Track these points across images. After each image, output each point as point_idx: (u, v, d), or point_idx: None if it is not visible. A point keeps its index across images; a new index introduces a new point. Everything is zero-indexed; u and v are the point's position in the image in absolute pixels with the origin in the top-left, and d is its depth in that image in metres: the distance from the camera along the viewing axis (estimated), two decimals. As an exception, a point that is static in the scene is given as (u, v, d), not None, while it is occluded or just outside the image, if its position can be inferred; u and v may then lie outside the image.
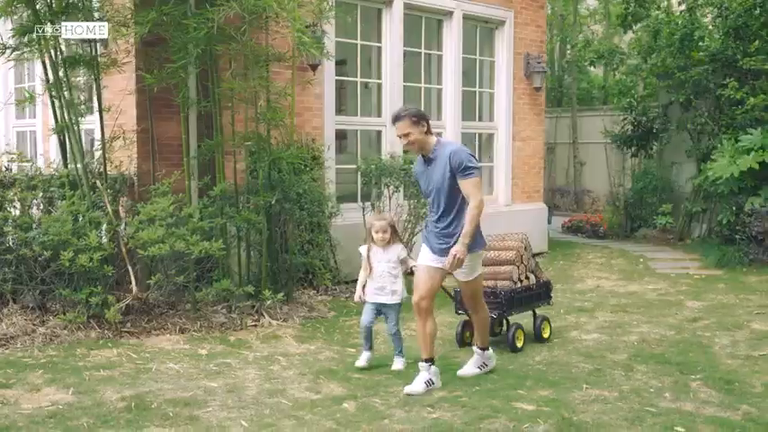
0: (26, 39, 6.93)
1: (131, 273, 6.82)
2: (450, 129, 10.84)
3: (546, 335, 6.70)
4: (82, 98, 7.81)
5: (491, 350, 5.77)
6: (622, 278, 10.03)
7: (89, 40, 7.22)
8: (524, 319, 6.81)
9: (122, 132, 7.62)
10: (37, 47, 7.03)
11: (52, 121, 9.44)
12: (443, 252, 5.19)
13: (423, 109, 10.72)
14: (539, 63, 11.88)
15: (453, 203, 5.20)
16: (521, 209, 11.94)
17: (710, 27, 13.01)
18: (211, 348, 6.35)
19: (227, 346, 6.43)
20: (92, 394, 5.10)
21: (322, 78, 9.12)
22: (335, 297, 8.46)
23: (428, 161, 5.27)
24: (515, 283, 6.52)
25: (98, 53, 7.38)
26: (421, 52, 10.65)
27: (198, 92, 7.63)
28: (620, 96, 18.92)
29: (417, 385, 5.20)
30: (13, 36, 6.90)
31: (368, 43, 10.06)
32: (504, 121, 11.69)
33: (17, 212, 7.11)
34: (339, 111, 9.76)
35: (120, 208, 7.44)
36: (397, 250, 5.74)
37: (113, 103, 7.82)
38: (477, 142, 11.66)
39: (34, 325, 6.69)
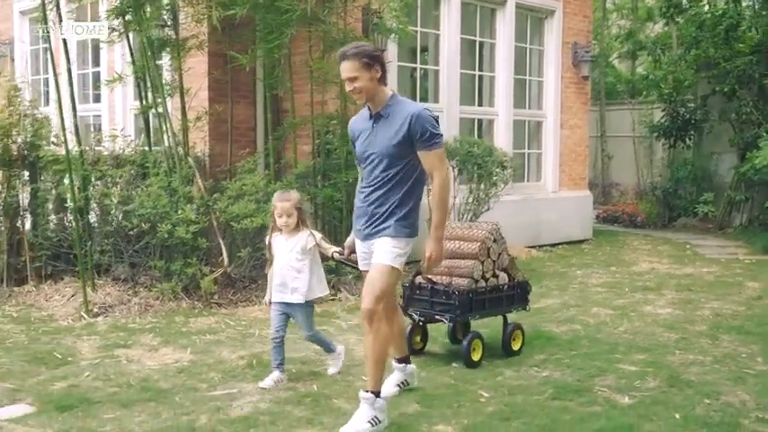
0: (119, 21, 7.19)
1: (223, 246, 7.06)
2: (502, 116, 11.06)
3: (516, 347, 5.46)
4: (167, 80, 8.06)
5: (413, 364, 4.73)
6: (674, 262, 10.22)
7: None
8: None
9: (205, 112, 7.87)
10: (127, 29, 7.30)
11: (119, 105, 9.83)
12: (367, 237, 4.22)
13: (476, 96, 11.11)
14: (587, 52, 12.09)
15: (392, 176, 4.15)
16: (567, 196, 12.16)
17: (753, 18, 13.16)
18: (303, 318, 6.57)
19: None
20: (209, 354, 5.36)
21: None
22: (407, 273, 8.66)
23: (376, 118, 4.21)
24: (476, 281, 5.35)
25: (178, 36, 7.63)
26: (476, 40, 10.87)
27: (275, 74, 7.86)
28: (651, 89, 19.04)
29: (360, 423, 3.97)
30: (108, 18, 7.15)
31: (426, 30, 10.28)
32: (553, 109, 11.91)
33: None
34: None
35: (197, 186, 7.69)
36: (302, 240, 4.72)
37: (188, 85, 8.06)
38: (526, 129, 11.89)
39: (128, 295, 6.97)
